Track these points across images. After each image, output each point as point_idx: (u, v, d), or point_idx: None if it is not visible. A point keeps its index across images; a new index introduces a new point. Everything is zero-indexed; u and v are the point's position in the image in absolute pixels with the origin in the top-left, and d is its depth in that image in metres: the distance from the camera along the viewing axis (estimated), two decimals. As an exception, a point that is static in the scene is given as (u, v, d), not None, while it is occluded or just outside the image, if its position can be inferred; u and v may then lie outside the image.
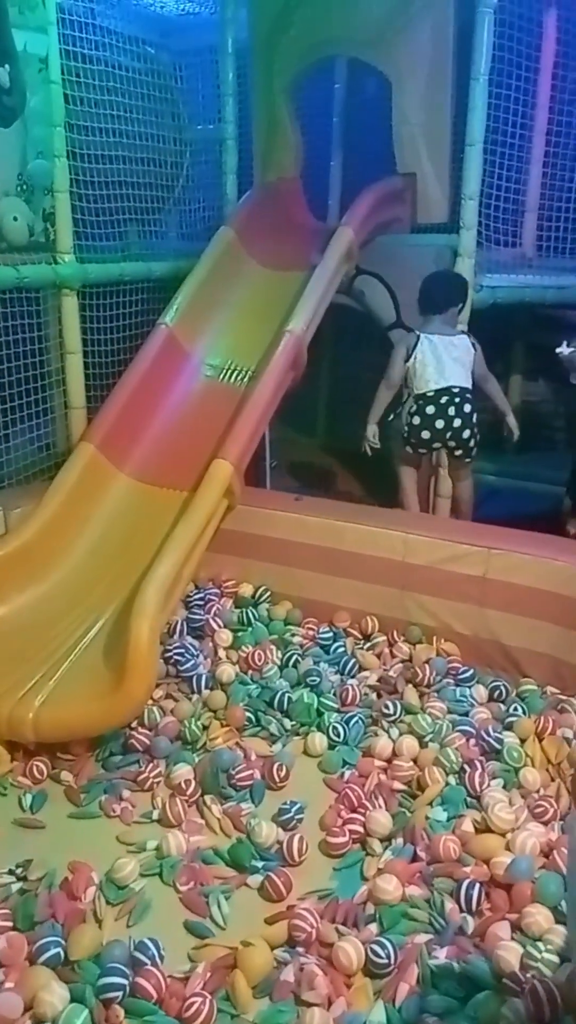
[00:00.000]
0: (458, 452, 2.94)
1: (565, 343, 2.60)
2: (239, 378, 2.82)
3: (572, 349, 2.58)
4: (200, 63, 3.67)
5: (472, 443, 2.90)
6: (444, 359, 2.84)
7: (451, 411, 2.81)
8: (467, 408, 2.82)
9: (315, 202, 3.76)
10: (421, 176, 3.29)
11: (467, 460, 2.99)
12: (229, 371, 2.86)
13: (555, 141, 3.38)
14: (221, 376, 2.86)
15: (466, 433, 2.84)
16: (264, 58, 3.50)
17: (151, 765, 2.07)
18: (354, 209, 3.05)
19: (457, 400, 2.82)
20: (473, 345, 2.92)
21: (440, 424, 2.83)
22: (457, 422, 2.81)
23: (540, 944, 1.52)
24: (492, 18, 2.90)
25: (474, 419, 2.86)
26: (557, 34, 3.33)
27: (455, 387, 2.82)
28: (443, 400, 2.81)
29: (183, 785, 1.99)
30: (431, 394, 2.82)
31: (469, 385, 2.86)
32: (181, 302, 2.92)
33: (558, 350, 2.61)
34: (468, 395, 2.85)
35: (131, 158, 3.21)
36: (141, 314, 3.21)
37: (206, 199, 3.65)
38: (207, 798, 1.98)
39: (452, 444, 2.89)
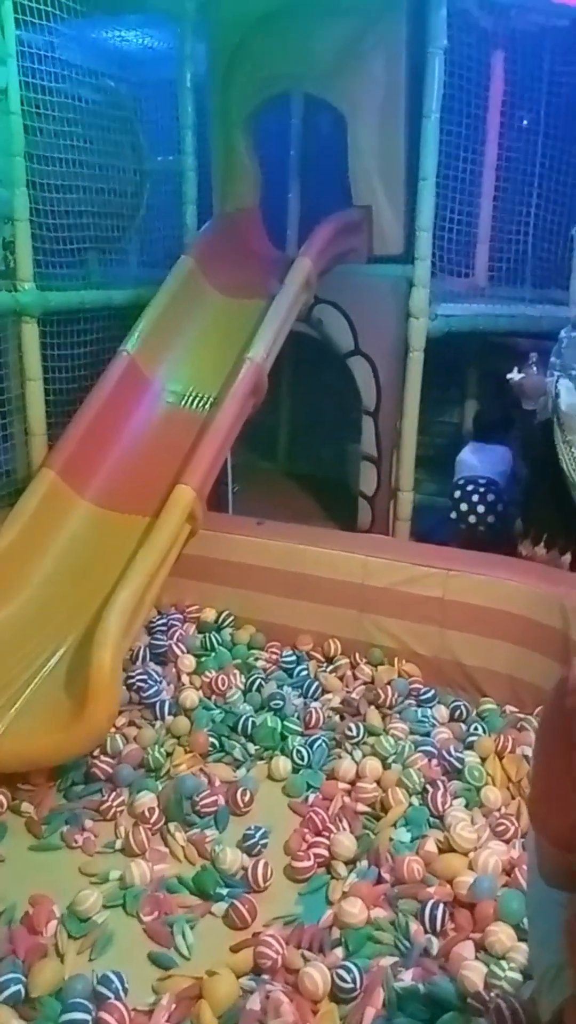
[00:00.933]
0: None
1: (516, 369, 2.68)
2: (200, 404, 2.84)
3: (523, 375, 2.66)
4: (159, 96, 3.73)
5: (475, 524, 3.15)
6: (472, 457, 3.32)
7: (461, 496, 3.21)
8: (474, 497, 3.16)
9: (274, 232, 3.83)
10: (376, 209, 3.37)
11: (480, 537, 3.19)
12: (191, 398, 2.88)
13: (504, 176, 3.51)
14: (183, 402, 2.88)
15: (462, 506, 3.17)
16: (221, 92, 3.57)
17: (114, 794, 2.05)
18: (312, 240, 3.11)
19: (468, 488, 3.20)
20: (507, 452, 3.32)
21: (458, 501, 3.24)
22: (464, 498, 3.19)
23: (504, 962, 1.54)
24: (442, 58, 3.01)
25: (479, 508, 3.14)
26: (504, 74, 3.47)
27: (463, 478, 3.25)
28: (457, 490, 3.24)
29: (146, 813, 1.97)
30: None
31: (487, 477, 3.20)
32: (142, 329, 2.94)
33: (509, 376, 2.69)
34: (479, 486, 3.17)
35: (91, 188, 3.24)
36: (102, 341, 3.22)
37: (166, 228, 3.69)
38: (171, 826, 1.97)
39: (470, 520, 3.19)
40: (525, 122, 3.51)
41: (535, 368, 2.66)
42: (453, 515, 3.22)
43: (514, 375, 2.68)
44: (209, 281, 3.22)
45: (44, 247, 2.97)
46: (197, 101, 3.55)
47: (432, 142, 3.07)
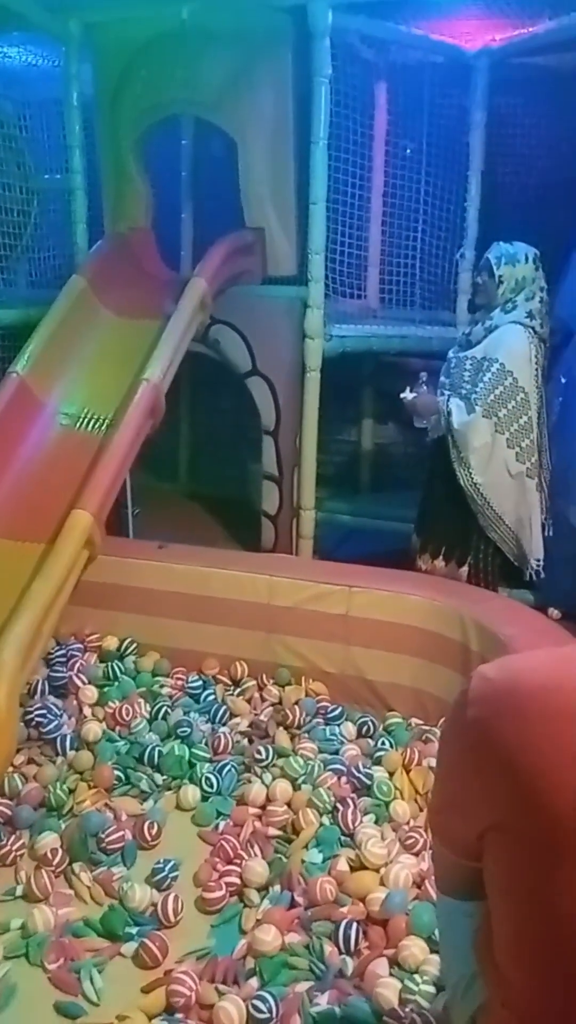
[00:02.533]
0: None
1: (408, 388, 2.75)
2: (96, 427, 2.77)
3: (415, 395, 2.73)
4: (45, 114, 3.66)
5: None
6: None
7: None
8: None
9: (168, 253, 3.81)
10: (269, 231, 3.41)
11: None
12: (86, 420, 2.80)
13: (391, 202, 3.62)
14: (78, 425, 2.80)
15: None
16: (110, 114, 3.53)
17: (13, 837, 1.95)
18: (206, 261, 3.11)
19: None
20: None
21: None
22: None
23: (417, 976, 1.55)
24: (328, 87, 3.09)
25: None
26: (387, 104, 3.59)
27: None
28: None
29: (49, 855, 1.88)
30: None
31: None
32: (33, 350, 2.85)
33: (402, 395, 2.75)
34: None
35: (-26, 205, 3.14)
36: (-10, 363, 3.11)
37: (56, 247, 3.60)
38: (76, 866, 1.88)
39: None
40: (408, 151, 3.65)
41: (426, 387, 2.74)
42: None
43: (406, 394, 2.74)
44: (102, 301, 3.16)
45: None
46: (85, 119, 3.50)
47: (321, 167, 3.14)
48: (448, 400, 2.67)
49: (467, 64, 3.42)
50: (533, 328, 2.61)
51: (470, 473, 2.63)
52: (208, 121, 3.51)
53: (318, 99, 3.08)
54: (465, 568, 2.78)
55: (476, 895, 0.92)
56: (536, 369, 2.62)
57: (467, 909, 0.99)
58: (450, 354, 2.85)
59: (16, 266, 3.56)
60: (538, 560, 2.71)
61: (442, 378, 2.78)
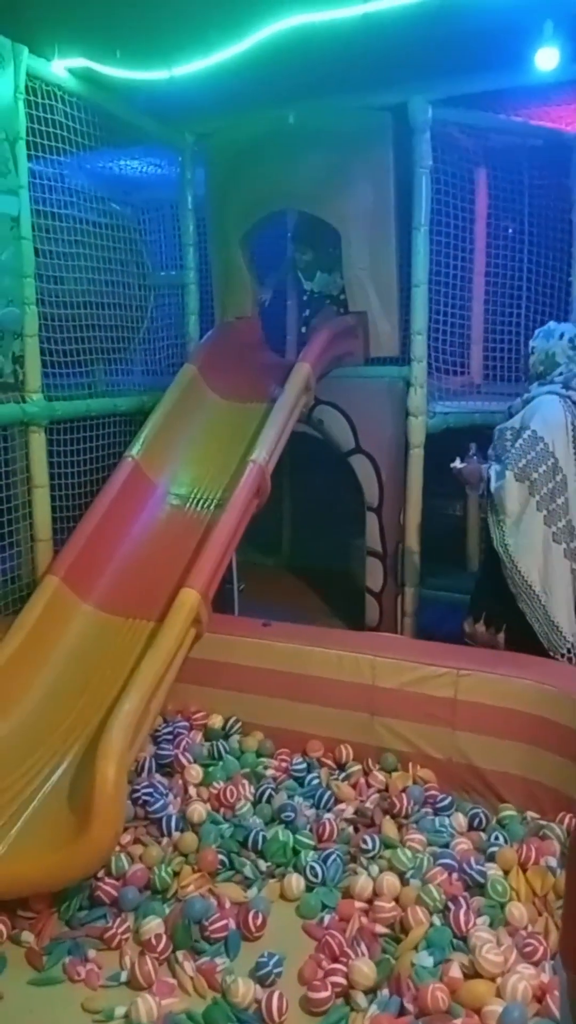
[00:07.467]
0: None
1: (458, 459, 2.75)
2: (205, 507, 2.87)
3: (463, 464, 2.73)
4: (161, 215, 3.95)
5: None
6: None
7: None
8: None
9: (273, 339, 3.97)
10: (371, 314, 3.51)
11: None
12: (195, 500, 2.91)
13: (493, 280, 3.66)
14: (187, 505, 2.91)
15: None
16: (220, 213, 3.78)
17: (119, 919, 1.94)
18: (310, 345, 3.22)
19: None
20: None
21: None
22: None
23: None
24: (429, 176, 3.20)
25: None
26: (487, 188, 3.67)
27: None
28: None
29: (153, 941, 1.86)
30: None
31: None
32: (147, 435, 3.01)
33: (452, 465, 2.75)
34: None
35: (98, 303, 3.38)
36: (107, 447, 3.29)
37: (169, 338, 3.83)
38: (179, 954, 1.86)
39: None
40: (510, 231, 3.69)
41: (475, 457, 2.75)
42: None
43: (456, 464, 2.75)
44: (211, 386, 3.32)
45: (52, 360, 3.07)
46: (197, 219, 3.76)
47: (423, 252, 3.23)
48: (489, 468, 2.68)
49: (567, 145, 3.46)
50: (569, 397, 2.60)
51: (503, 534, 2.60)
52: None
53: (419, 188, 3.19)
54: (502, 635, 2.69)
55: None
56: (571, 436, 2.58)
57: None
58: (496, 428, 2.85)
59: (133, 356, 3.79)
60: (572, 641, 2.57)
61: (490, 450, 2.78)
